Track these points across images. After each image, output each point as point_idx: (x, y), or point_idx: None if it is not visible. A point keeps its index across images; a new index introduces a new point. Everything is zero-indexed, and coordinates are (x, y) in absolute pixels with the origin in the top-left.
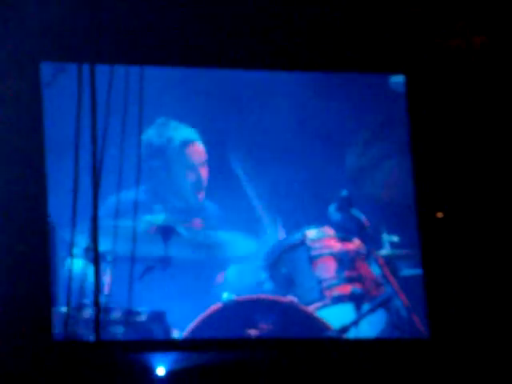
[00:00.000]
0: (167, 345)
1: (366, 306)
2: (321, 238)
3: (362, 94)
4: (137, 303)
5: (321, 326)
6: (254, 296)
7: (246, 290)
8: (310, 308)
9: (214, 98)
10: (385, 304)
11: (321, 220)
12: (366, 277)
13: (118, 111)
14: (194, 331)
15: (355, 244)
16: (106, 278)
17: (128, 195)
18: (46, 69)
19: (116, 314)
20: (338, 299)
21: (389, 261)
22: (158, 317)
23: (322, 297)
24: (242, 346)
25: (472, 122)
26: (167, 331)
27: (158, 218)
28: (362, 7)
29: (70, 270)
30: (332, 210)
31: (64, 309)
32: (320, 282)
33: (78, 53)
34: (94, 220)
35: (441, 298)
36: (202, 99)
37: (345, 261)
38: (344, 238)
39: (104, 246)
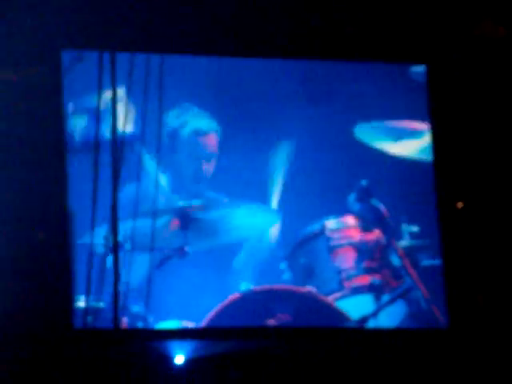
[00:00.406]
0: (186, 333)
1: (385, 297)
2: (340, 228)
3: (382, 84)
4: (155, 292)
5: (339, 316)
6: (272, 286)
7: (265, 280)
8: (329, 298)
9: (236, 89)
10: (404, 295)
11: (340, 210)
12: (386, 267)
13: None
14: (212, 320)
15: (375, 234)
16: (125, 267)
17: (147, 183)
18: (66, 57)
19: (135, 303)
20: (357, 290)
21: (408, 251)
22: (174, 306)
23: (340, 287)
24: (261, 334)
25: (493, 111)
26: (183, 321)
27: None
28: None
29: (90, 259)
30: (351, 200)
31: (83, 297)
32: (339, 272)
33: (99, 41)
34: (113, 209)
35: (460, 289)
36: (223, 90)
37: (364, 251)
38: (364, 228)
39: (123, 234)
